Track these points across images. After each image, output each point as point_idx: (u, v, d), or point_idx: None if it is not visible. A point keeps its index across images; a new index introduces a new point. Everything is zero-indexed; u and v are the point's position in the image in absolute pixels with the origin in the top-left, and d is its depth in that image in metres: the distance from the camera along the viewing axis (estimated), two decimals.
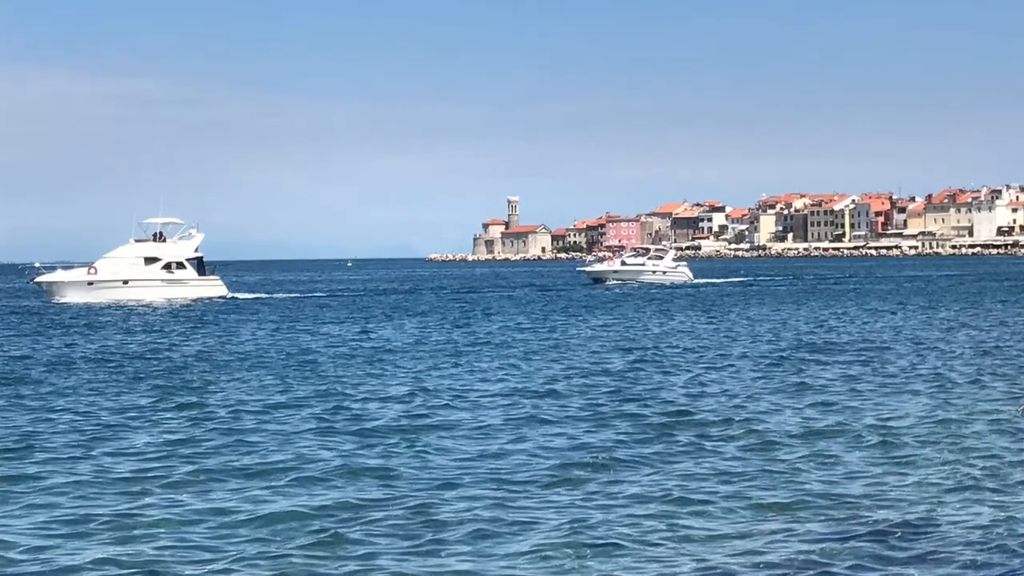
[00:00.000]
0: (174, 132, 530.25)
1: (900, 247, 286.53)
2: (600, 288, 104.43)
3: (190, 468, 19.20)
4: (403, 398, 28.10)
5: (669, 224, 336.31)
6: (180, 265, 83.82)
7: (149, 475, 18.68)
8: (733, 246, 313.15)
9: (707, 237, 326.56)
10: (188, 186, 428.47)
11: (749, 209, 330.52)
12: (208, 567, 13.64)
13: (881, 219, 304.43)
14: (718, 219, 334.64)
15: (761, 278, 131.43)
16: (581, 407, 26.10)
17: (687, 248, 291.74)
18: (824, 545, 14.15)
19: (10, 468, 19.37)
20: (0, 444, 21.73)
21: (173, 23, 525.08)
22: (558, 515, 15.71)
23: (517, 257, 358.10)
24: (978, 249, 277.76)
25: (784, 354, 38.66)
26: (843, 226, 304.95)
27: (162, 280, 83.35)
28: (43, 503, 16.86)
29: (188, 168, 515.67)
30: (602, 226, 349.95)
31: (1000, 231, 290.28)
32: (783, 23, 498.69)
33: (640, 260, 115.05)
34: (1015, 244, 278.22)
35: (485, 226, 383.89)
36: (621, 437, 21.89)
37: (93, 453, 20.77)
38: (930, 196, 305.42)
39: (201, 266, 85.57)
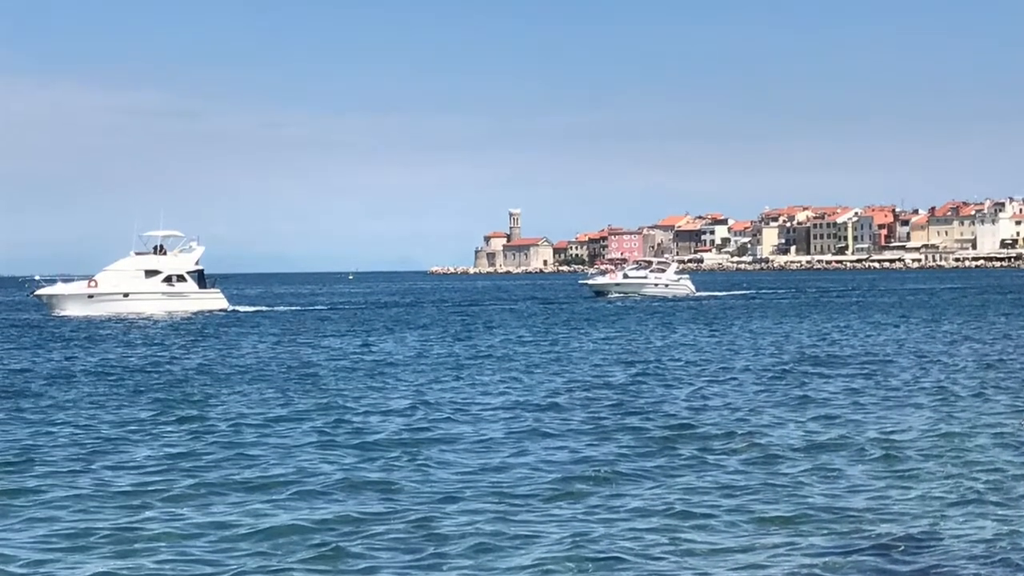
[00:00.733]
0: (175, 144, 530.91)
1: (903, 260, 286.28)
2: (602, 301, 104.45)
3: (191, 481, 19.13)
4: (404, 411, 28.04)
5: (671, 237, 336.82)
6: (181, 278, 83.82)
7: (150, 488, 18.61)
8: (736, 259, 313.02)
9: (709, 250, 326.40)
10: (189, 198, 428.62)
11: (752, 222, 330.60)
12: None
13: (884, 232, 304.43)
14: (720, 232, 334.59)
15: (764, 291, 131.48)
16: (583, 420, 26.04)
17: (689, 261, 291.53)
18: (827, 559, 14.10)
19: (10, 482, 19.31)
20: (0, 458, 21.66)
21: (174, 35, 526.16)
22: (560, 529, 15.66)
23: (519, 270, 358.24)
24: (981, 262, 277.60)
25: (787, 367, 38.59)
26: (846, 239, 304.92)
27: (163, 293, 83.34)
28: (43, 516, 16.81)
29: (189, 180, 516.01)
30: (604, 239, 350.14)
31: (1004, 244, 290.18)
32: (785, 33, 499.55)
33: (642, 273, 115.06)
34: (1018, 257, 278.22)
35: (487, 239, 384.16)
36: (623, 450, 21.83)
37: (93, 467, 20.70)
38: (933, 209, 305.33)
39: (202, 279, 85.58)
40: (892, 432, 23.60)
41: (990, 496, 17.34)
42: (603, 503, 17.25)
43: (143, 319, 75.91)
